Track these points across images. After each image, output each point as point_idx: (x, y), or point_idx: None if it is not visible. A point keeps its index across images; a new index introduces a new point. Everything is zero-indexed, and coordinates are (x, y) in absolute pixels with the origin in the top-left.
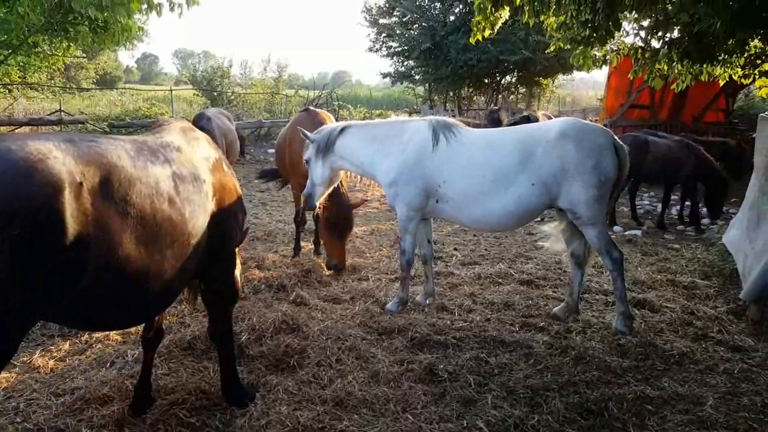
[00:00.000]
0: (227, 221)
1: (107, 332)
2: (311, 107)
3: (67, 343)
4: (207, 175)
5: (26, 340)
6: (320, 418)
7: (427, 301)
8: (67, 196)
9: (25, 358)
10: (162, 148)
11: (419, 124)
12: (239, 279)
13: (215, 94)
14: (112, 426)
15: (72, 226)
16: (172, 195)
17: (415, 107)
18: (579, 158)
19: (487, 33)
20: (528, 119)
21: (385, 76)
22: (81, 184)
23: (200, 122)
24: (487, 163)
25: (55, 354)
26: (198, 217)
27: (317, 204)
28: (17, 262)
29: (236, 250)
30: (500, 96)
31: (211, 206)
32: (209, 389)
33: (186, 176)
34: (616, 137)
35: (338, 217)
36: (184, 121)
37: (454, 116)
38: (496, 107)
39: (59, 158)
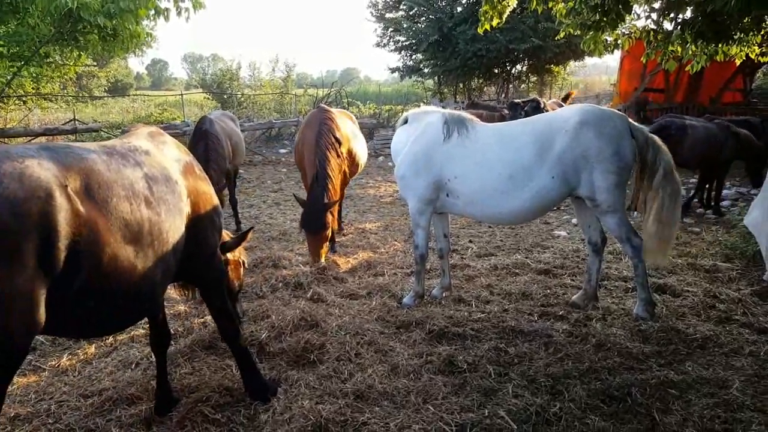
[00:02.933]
0: (203, 222)
1: (125, 334)
2: (323, 105)
3: (93, 346)
4: (179, 177)
5: (54, 345)
6: (342, 411)
7: (444, 295)
8: (59, 199)
9: (54, 362)
10: (131, 151)
11: (434, 117)
12: (234, 278)
13: (225, 96)
14: (141, 425)
15: (65, 228)
16: (147, 195)
17: (425, 101)
18: (600, 146)
19: (495, 22)
20: (537, 102)
21: (393, 71)
22: (66, 187)
23: (203, 126)
24: (504, 159)
25: (82, 357)
26: (174, 216)
27: None
28: (17, 268)
29: (218, 250)
30: (511, 85)
31: (185, 208)
32: (232, 386)
33: (158, 177)
34: (632, 121)
35: (309, 216)
36: (152, 126)
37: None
38: (517, 101)
39: (43, 164)
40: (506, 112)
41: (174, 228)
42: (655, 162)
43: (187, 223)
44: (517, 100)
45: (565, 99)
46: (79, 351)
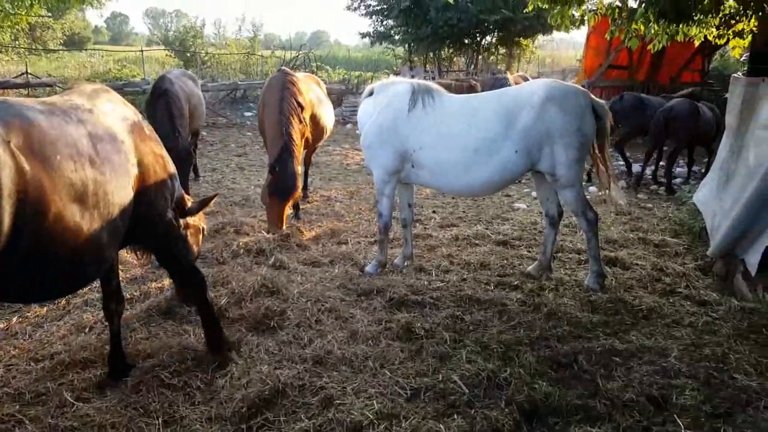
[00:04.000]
0: (152, 183)
1: (78, 297)
2: (285, 68)
3: (45, 309)
4: (125, 137)
5: (3, 307)
6: (300, 376)
7: (405, 264)
8: (2, 155)
9: (2, 325)
10: (73, 109)
11: (401, 87)
12: (193, 244)
13: (188, 54)
14: (94, 389)
15: (9, 186)
16: (92, 154)
17: (395, 68)
18: (563, 122)
19: None
20: (497, 78)
21: (364, 36)
22: (9, 143)
23: (162, 85)
24: (469, 132)
25: (33, 320)
26: (119, 177)
27: None
28: None
29: (170, 213)
30: (480, 57)
31: (132, 169)
32: (189, 352)
33: (102, 136)
34: (594, 97)
35: (284, 184)
36: (96, 84)
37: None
38: (502, 75)
39: None
40: (490, 81)
41: (120, 189)
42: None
43: (136, 184)
44: (498, 72)
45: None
46: (30, 314)
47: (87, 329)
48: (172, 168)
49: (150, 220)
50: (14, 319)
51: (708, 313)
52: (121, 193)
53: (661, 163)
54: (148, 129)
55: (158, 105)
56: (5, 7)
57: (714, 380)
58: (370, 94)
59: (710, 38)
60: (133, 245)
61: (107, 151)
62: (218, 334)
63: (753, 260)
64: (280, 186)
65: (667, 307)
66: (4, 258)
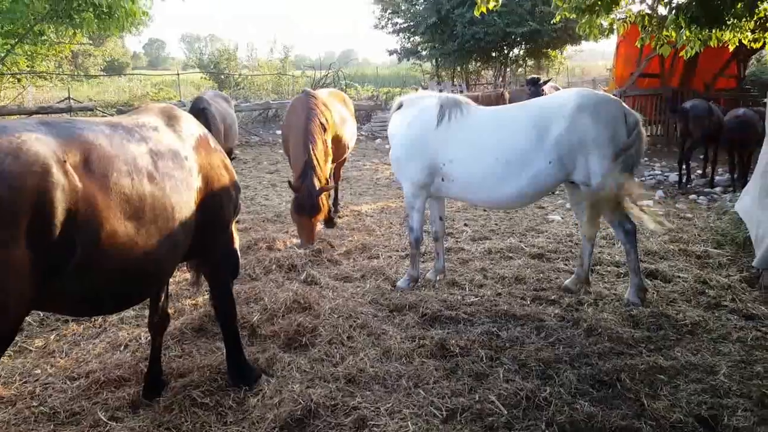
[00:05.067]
0: (217, 197)
1: (118, 314)
2: (308, 89)
3: (81, 327)
4: (190, 152)
5: (41, 325)
6: (333, 395)
7: (438, 278)
8: (56, 174)
9: (40, 343)
10: (138, 127)
11: (429, 101)
12: (239, 255)
13: (222, 76)
14: (127, 408)
15: (62, 203)
16: (151, 171)
17: (423, 84)
18: (597, 131)
19: (491, 5)
20: (536, 82)
21: (391, 53)
22: (65, 162)
23: (200, 105)
24: (500, 143)
25: (69, 338)
26: (181, 192)
27: None
28: (12, 243)
29: (234, 226)
30: (508, 69)
31: (196, 182)
32: (223, 370)
33: (164, 153)
34: (626, 106)
35: (304, 201)
36: (165, 104)
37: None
38: (537, 77)
39: (41, 139)
40: (527, 87)
41: (182, 204)
42: (634, 149)
43: (200, 198)
44: (536, 76)
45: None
46: (67, 332)
47: (122, 347)
48: (235, 179)
49: (213, 231)
50: (52, 337)
51: (757, 327)
52: (183, 207)
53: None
54: (213, 142)
55: None
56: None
57: None
58: (399, 107)
59: (745, 42)
60: (191, 258)
61: (168, 167)
62: (240, 361)
63: None
64: (303, 203)
65: (712, 321)
66: (58, 272)
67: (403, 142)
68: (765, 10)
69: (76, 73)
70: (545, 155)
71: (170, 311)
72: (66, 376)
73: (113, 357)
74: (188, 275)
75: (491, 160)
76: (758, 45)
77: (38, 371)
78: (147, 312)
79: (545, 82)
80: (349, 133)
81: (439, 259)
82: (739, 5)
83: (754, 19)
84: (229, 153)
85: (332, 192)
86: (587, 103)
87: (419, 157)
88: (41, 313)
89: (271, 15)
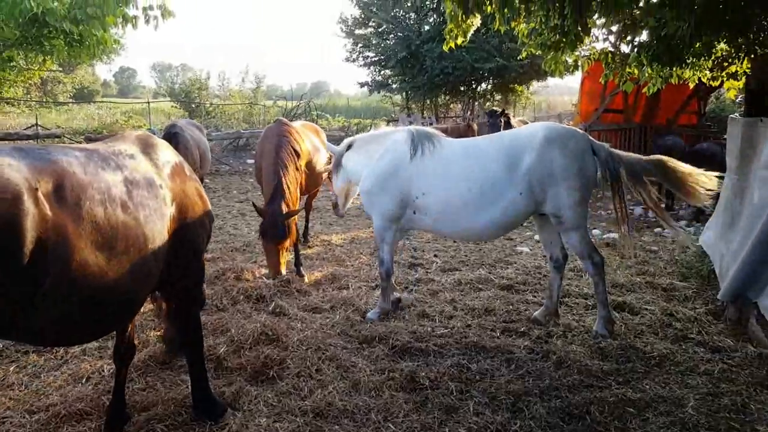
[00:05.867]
0: (190, 226)
1: (77, 346)
2: (282, 118)
3: (42, 358)
4: (164, 181)
5: (0, 356)
6: (300, 430)
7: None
8: (26, 202)
9: None
10: (114, 155)
11: (400, 135)
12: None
13: (193, 105)
14: None
15: (31, 232)
16: (125, 200)
17: (393, 115)
18: (565, 163)
19: (459, 41)
20: (508, 117)
21: (362, 85)
22: (36, 190)
23: (174, 130)
24: (472, 175)
25: (29, 370)
26: (155, 221)
27: (342, 212)
28: None
29: (203, 257)
30: (476, 103)
31: (170, 211)
32: (188, 404)
33: (139, 181)
34: (593, 139)
35: (269, 225)
36: (142, 131)
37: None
38: (495, 109)
39: (13, 165)
40: (485, 119)
41: (155, 233)
42: (619, 169)
43: (172, 226)
44: (494, 108)
45: (498, 114)
46: (27, 364)
47: (84, 379)
48: (209, 207)
49: (184, 260)
50: (11, 369)
51: (723, 360)
52: (156, 237)
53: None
54: (188, 170)
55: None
56: (19, 63)
57: None
58: (349, 146)
59: (704, 80)
60: (163, 287)
61: (142, 196)
62: (206, 394)
63: (767, 303)
64: (269, 226)
65: (680, 354)
66: (26, 301)
67: (374, 175)
68: (722, 50)
69: (44, 100)
70: (516, 186)
71: (135, 342)
72: (25, 409)
73: (74, 390)
74: (152, 306)
75: (464, 191)
76: (716, 83)
77: None
78: (110, 343)
79: (502, 113)
80: (322, 163)
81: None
82: (697, 45)
83: (712, 58)
84: (200, 180)
85: (303, 221)
86: (554, 136)
87: (392, 191)
88: (0, 344)
89: (240, 45)
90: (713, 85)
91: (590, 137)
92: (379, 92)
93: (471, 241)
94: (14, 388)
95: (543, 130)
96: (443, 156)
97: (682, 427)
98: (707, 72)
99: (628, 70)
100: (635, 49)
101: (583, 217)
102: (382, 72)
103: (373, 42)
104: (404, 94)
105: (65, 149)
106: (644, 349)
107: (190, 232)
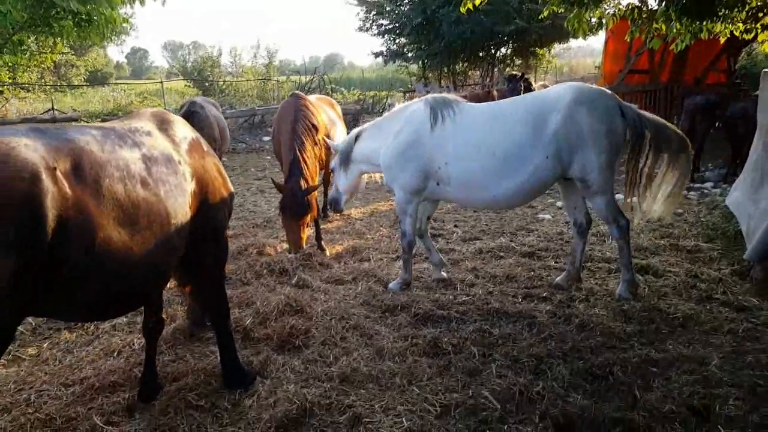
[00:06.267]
0: (212, 201)
1: (110, 321)
2: (298, 92)
3: (74, 335)
4: (183, 156)
5: (34, 334)
6: (327, 395)
7: (443, 274)
8: (45, 181)
9: (34, 351)
10: (130, 132)
11: (416, 105)
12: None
13: (207, 84)
14: (123, 413)
15: (52, 210)
16: (144, 176)
17: (410, 86)
18: (593, 124)
19: (477, 1)
20: (514, 78)
21: (377, 55)
22: (55, 169)
23: (194, 108)
24: (496, 140)
25: (63, 346)
26: (176, 197)
27: (343, 208)
28: (1, 250)
29: (225, 232)
30: (496, 69)
31: (191, 186)
32: (217, 373)
33: (158, 158)
34: (621, 100)
35: (288, 201)
36: (157, 108)
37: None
38: (515, 73)
39: (30, 145)
40: (505, 85)
41: (176, 208)
42: (644, 130)
43: (194, 202)
44: (514, 73)
45: (518, 78)
46: (60, 340)
47: (115, 353)
48: (229, 184)
49: (207, 234)
50: (45, 345)
51: (748, 319)
52: (178, 212)
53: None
54: (205, 146)
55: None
56: (30, 46)
57: (760, 389)
58: (357, 138)
59: (737, 33)
60: (188, 262)
61: (162, 172)
62: (235, 363)
63: None
64: (288, 203)
65: (704, 314)
66: (52, 278)
67: (396, 148)
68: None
69: (59, 84)
70: (542, 150)
71: (163, 316)
72: (60, 383)
73: (107, 363)
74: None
75: (489, 156)
76: (749, 36)
77: (32, 379)
78: (139, 319)
79: (521, 77)
80: (340, 136)
81: (432, 254)
82: None
83: (746, 9)
84: (219, 158)
85: (322, 196)
86: (583, 97)
87: (414, 162)
88: (33, 322)
89: (244, 10)
90: (746, 38)
91: (618, 98)
92: (394, 62)
93: (497, 209)
94: (49, 363)
95: (571, 91)
96: (465, 122)
97: (706, 385)
98: (740, 24)
99: (655, 25)
100: (663, 3)
101: (610, 180)
102: (397, 41)
103: (387, 9)
104: (420, 62)
105: (82, 128)
106: (668, 311)
107: (212, 207)
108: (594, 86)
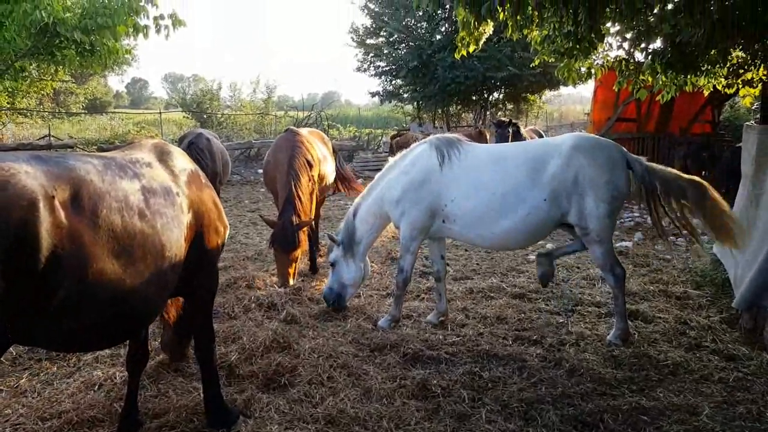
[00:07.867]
0: (206, 233)
1: (93, 353)
2: (293, 127)
3: (55, 366)
4: (181, 189)
5: (13, 364)
6: None
7: (440, 320)
8: (42, 210)
9: (12, 382)
10: (131, 163)
11: (421, 147)
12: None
13: (205, 116)
14: None
15: (47, 239)
16: (142, 208)
17: (404, 125)
18: (592, 173)
19: (471, 48)
20: (517, 127)
21: (374, 95)
22: (53, 197)
23: (199, 140)
24: (497, 179)
25: (42, 378)
26: (172, 229)
27: (346, 305)
28: None
29: (217, 264)
30: (488, 112)
31: (187, 218)
32: (199, 411)
33: (157, 190)
34: (629, 153)
35: (279, 235)
36: (158, 139)
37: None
38: (503, 119)
39: (30, 173)
40: (494, 128)
41: (172, 241)
42: (655, 183)
43: (189, 234)
44: (503, 119)
45: (506, 125)
46: (41, 371)
47: (96, 387)
48: (224, 217)
49: (201, 266)
50: (24, 377)
51: (738, 368)
52: (173, 245)
53: None
54: (203, 178)
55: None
56: (31, 73)
57: None
58: (354, 214)
59: (719, 88)
60: (178, 294)
61: (160, 204)
62: (218, 401)
63: None
64: (279, 237)
65: (694, 362)
66: (42, 307)
67: (404, 186)
68: (737, 57)
69: (57, 111)
70: (540, 191)
71: (149, 348)
72: (38, 416)
73: (87, 397)
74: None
75: (488, 194)
76: (731, 91)
77: (9, 411)
78: (122, 351)
79: (510, 123)
80: (330, 172)
81: (441, 301)
82: (712, 52)
83: (727, 65)
84: (217, 191)
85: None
86: (584, 145)
87: (424, 201)
88: (14, 351)
89: (249, 42)
90: (728, 92)
91: (626, 151)
92: (390, 102)
93: (498, 249)
94: (27, 395)
95: (572, 138)
96: (471, 161)
97: None
98: (722, 79)
99: (641, 77)
100: (649, 56)
101: (610, 229)
102: (393, 81)
103: (385, 51)
104: (415, 103)
105: (83, 157)
106: (658, 357)
107: (207, 239)
108: (600, 137)
